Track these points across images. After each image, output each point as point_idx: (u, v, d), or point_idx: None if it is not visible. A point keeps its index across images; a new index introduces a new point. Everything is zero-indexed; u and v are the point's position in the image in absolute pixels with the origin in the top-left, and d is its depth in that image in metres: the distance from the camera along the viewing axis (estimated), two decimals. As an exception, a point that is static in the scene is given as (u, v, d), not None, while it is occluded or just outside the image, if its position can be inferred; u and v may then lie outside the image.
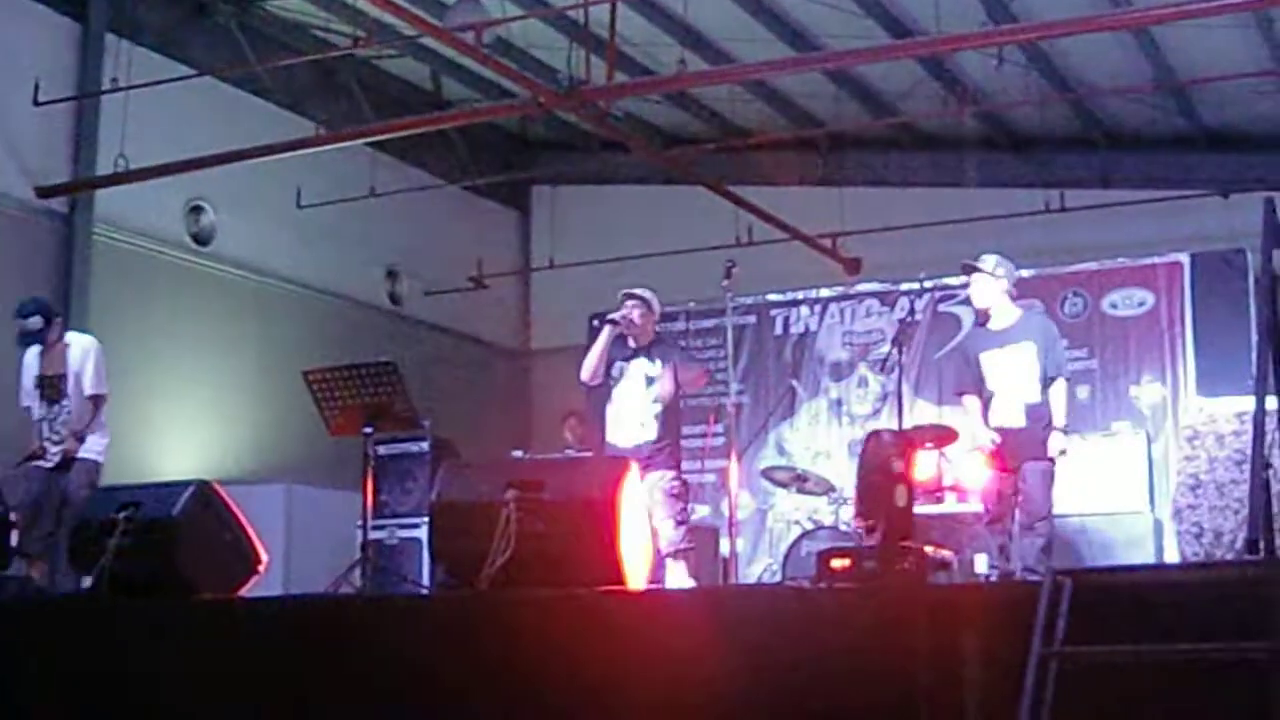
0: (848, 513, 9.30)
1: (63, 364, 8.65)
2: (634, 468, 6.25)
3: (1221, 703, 4.01)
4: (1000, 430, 7.83)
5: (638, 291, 8.19)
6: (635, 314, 8.08)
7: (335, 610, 6.43)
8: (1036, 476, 7.70)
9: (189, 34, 12.06)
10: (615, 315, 8.11)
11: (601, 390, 8.19)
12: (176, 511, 6.51)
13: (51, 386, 8.63)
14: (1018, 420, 7.79)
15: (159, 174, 10.76)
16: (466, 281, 14.34)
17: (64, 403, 8.60)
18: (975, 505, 9.36)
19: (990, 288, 8.01)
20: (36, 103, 10.65)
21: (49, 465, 8.46)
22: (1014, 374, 7.86)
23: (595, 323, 8.28)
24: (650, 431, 7.89)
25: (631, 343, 8.12)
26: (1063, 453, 7.80)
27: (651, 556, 6.52)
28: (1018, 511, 7.81)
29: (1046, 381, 7.84)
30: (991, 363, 7.95)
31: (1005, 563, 7.76)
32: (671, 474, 7.83)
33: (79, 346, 8.74)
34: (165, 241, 11.93)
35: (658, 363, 8.01)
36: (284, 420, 11.29)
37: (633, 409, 7.99)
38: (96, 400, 8.66)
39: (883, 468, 5.96)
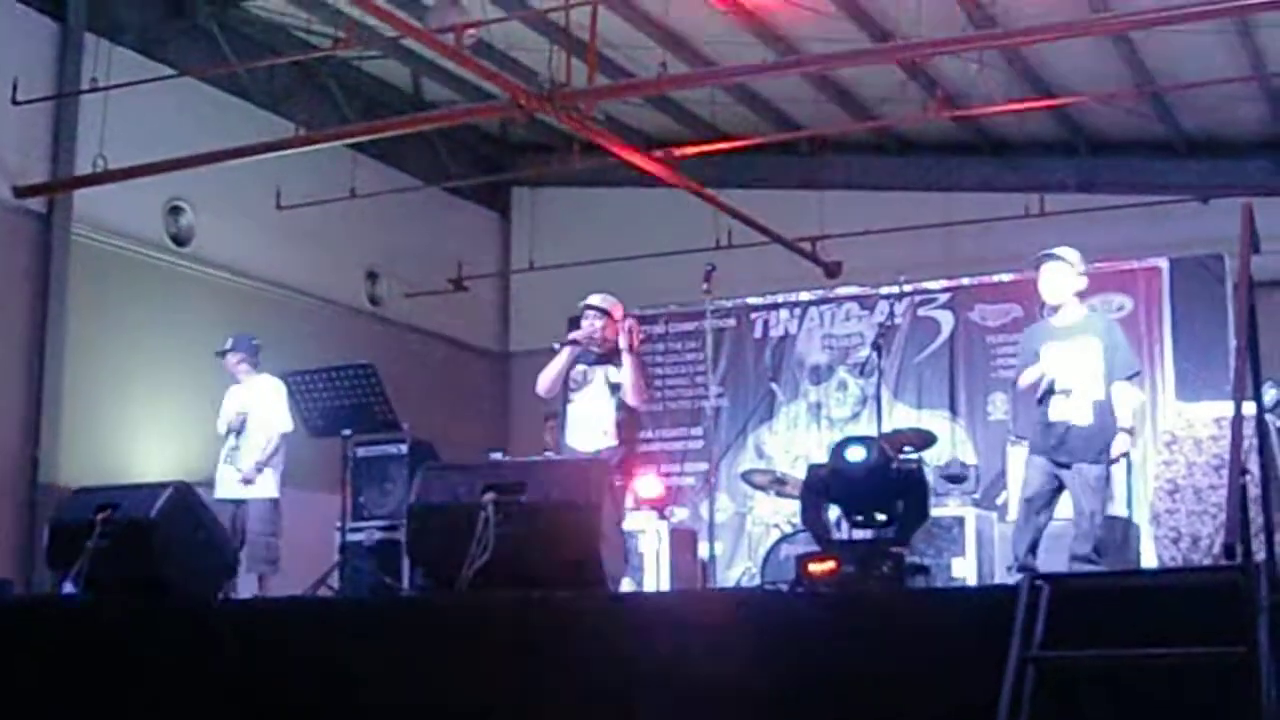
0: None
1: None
2: (612, 471, 6.25)
3: (1198, 706, 4.02)
4: (1060, 426, 7.42)
5: (596, 303, 8.16)
6: (597, 325, 8.08)
7: (314, 612, 6.42)
8: (1091, 477, 7.32)
9: (169, 34, 12.03)
10: (578, 334, 8.11)
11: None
12: (154, 513, 6.48)
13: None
14: (1085, 418, 7.37)
15: (138, 174, 10.73)
16: (446, 283, 14.33)
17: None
18: (954, 509, 9.40)
19: (1067, 281, 7.70)
20: (15, 102, 10.61)
21: None
22: (1082, 370, 7.48)
23: (555, 346, 8.21)
24: (611, 438, 7.92)
25: (595, 348, 8.12)
26: (1125, 455, 7.59)
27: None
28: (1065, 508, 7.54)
29: (1110, 380, 7.47)
30: (1052, 354, 7.58)
31: (1032, 559, 7.41)
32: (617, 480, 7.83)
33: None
34: (144, 242, 11.89)
35: (624, 369, 8.00)
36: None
37: (596, 415, 7.99)
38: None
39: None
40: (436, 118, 12.96)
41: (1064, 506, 7.60)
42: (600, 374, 8.05)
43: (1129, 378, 7.56)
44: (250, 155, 10.69)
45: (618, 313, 8.16)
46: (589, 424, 8.00)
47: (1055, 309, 7.71)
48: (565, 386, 8.13)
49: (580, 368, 8.10)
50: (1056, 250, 7.77)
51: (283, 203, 12.44)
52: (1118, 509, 9.21)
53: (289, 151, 10.86)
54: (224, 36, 12.21)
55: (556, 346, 8.22)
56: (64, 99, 11.11)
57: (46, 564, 6.96)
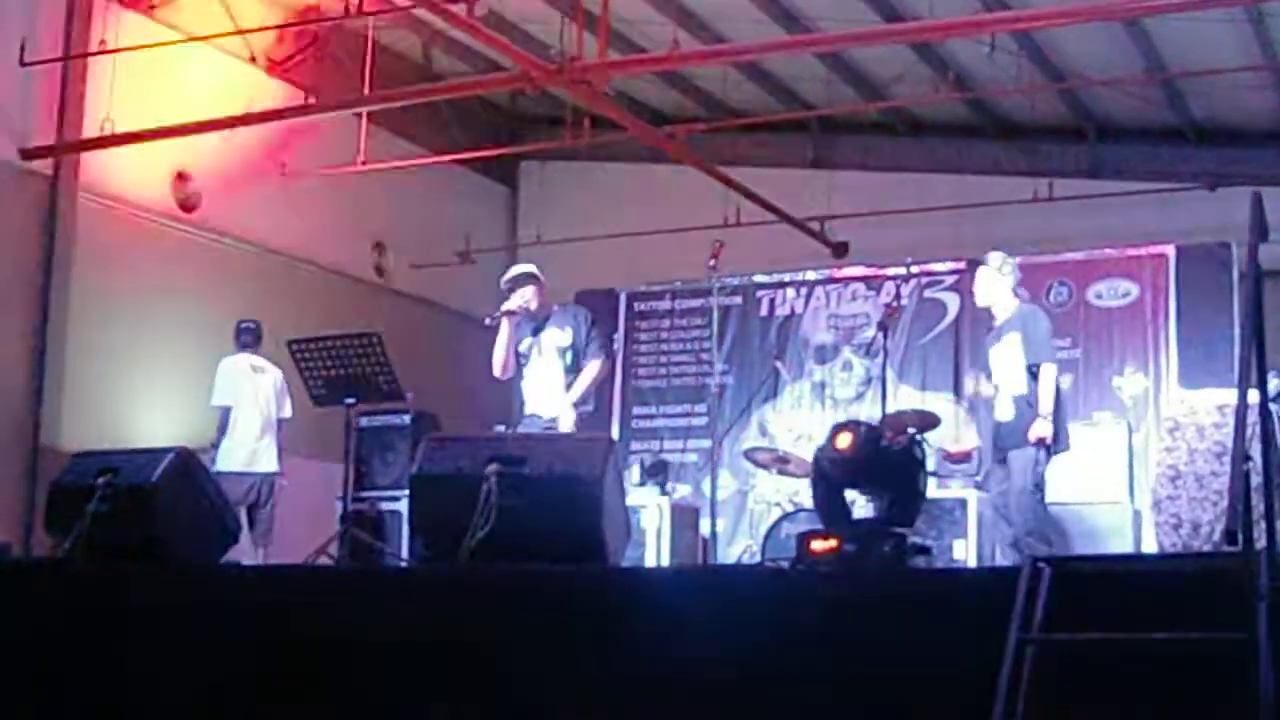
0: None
1: None
2: (616, 445, 6.26)
3: (1197, 692, 4.02)
4: (997, 424, 7.93)
5: (520, 271, 8.27)
6: (529, 294, 8.12)
7: (314, 581, 6.43)
8: (1017, 463, 7.71)
9: (179, -2, 11.98)
10: (509, 306, 8.12)
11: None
12: (155, 478, 6.47)
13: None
14: (1007, 413, 7.82)
15: (145, 139, 10.71)
16: (453, 256, 14.30)
17: None
18: (956, 491, 9.41)
19: (991, 284, 8.04)
20: (22, 63, 10.57)
21: None
22: (1004, 367, 7.89)
23: (488, 320, 8.33)
24: (571, 408, 7.99)
25: (531, 319, 8.15)
26: (1043, 440, 7.71)
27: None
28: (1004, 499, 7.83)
29: (1032, 370, 7.79)
30: (992, 358, 8.04)
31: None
32: None
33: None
34: (150, 207, 11.86)
35: (568, 330, 8.04)
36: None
37: (550, 382, 8.03)
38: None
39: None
40: (446, 89, 12.92)
41: (1049, 493, 7.93)
42: (546, 340, 8.09)
43: (1048, 363, 7.83)
44: (258, 123, 10.68)
45: (540, 275, 8.28)
46: (544, 391, 8.02)
47: (992, 313, 8.10)
48: (518, 362, 8.13)
49: (527, 341, 8.10)
50: (986, 256, 8.17)
51: (290, 171, 12.42)
52: (1118, 493, 9.24)
53: (297, 120, 10.84)
54: (234, 1, 12.17)
55: (489, 321, 8.19)
56: (72, 61, 11.08)
57: (45, 527, 6.96)
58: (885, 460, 6.24)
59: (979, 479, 9.73)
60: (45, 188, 11.12)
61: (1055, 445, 7.80)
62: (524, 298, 8.09)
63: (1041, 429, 7.68)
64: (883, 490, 6.19)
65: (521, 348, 8.13)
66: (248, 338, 10.42)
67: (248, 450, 10.00)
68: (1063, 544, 8.72)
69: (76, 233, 11.21)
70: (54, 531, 6.71)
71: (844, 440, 6.25)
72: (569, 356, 8.00)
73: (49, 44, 10.95)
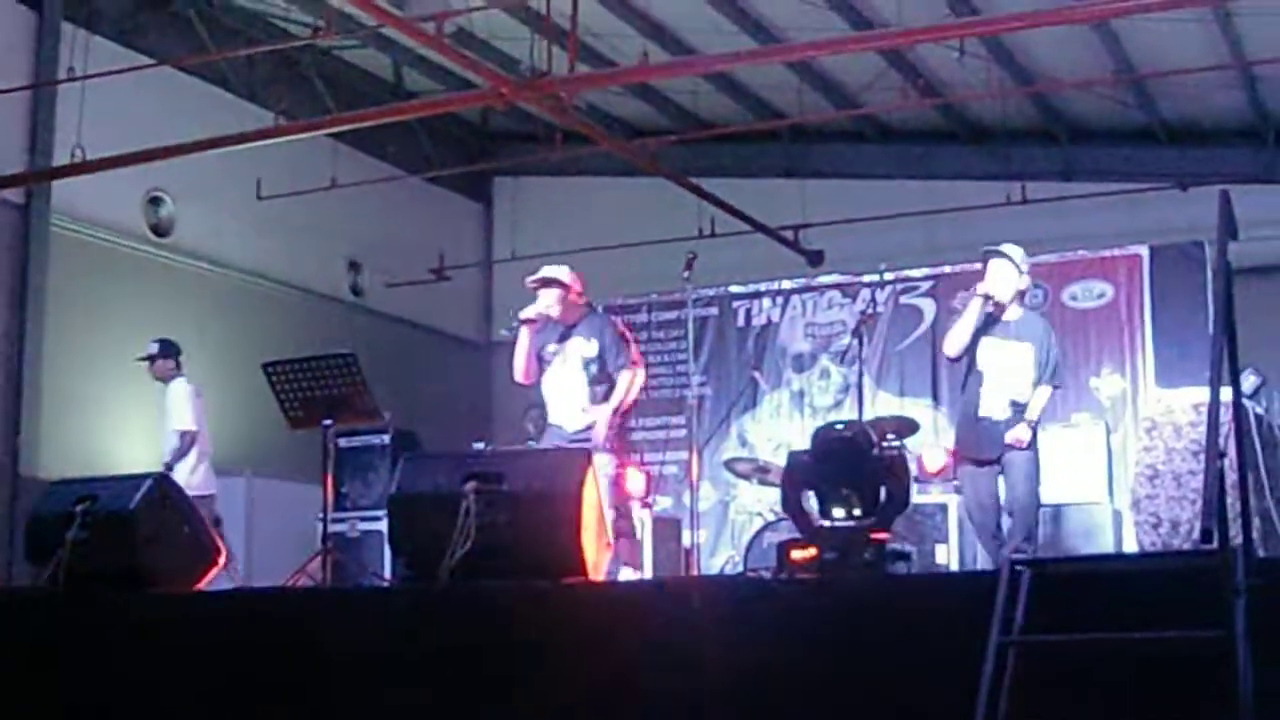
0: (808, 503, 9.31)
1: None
2: (594, 460, 6.23)
3: (1176, 690, 4.04)
4: (983, 421, 7.68)
5: (547, 275, 7.92)
6: (552, 300, 7.84)
7: (295, 603, 6.41)
8: (1020, 468, 7.56)
9: (147, 23, 11.99)
10: (529, 313, 7.87)
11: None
12: (134, 505, 6.44)
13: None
14: (1002, 413, 7.63)
15: (117, 164, 10.65)
16: (428, 273, 14.29)
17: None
18: (936, 496, 9.42)
19: (1011, 279, 7.76)
20: (-9, 91, 10.56)
21: None
22: (1008, 368, 7.69)
23: (504, 331, 8.07)
24: (591, 415, 7.74)
25: (559, 322, 7.90)
26: (1020, 443, 7.58)
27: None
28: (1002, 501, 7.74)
29: (1037, 384, 7.69)
30: (988, 347, 7.73)
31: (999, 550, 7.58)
32: (610, 459, 7.69)
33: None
34: (123, 232, 11.85)
35: (593, 341, 7.80)
36: (244, 412, 11.23)
37: (571, 392, 7.82)
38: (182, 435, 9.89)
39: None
40: (417, 107, 12.91)
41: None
42: (570, 349, 7.84)
43: (1053, 386, 7.77)
44: (230, 145, 10.63)
45: (573, 281, 7.92)
46: (565, 401, 7.84)
47: (1000, 306, 7.74)
48: (540, 366, 7.94)
49: (551, 347, 7.92)
50: (1003, 247, 7.81)
51: (263, 193, 12.39)
52: (1098, 494, 9.26)
53: (269, 141, 10.80)
54: (203, 25, 12.18)
55: (508, 331, 8.07)
56: (41, 89, 11.05)
57: (26, 557, 6.92)
58: (877, 464, 6.22)
59: (959, 484, 9.74)
60: (17, 215, 11.10)
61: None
62: (546, 302, 7.85)
63: (1025, 432, 7.59)
64: (871, 495, 6.17)
65: (545, 352, 7.91)
66: (180, 358, 10.33)
67: (206, 470, 9.94)
68: (1044, 545, 8.74)
69: (50, 260, 11.19)
70: (34, 560, 6.67)
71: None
72: (592, 369, 7.78)
73: (17, 71, 10.93)
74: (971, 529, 8.40)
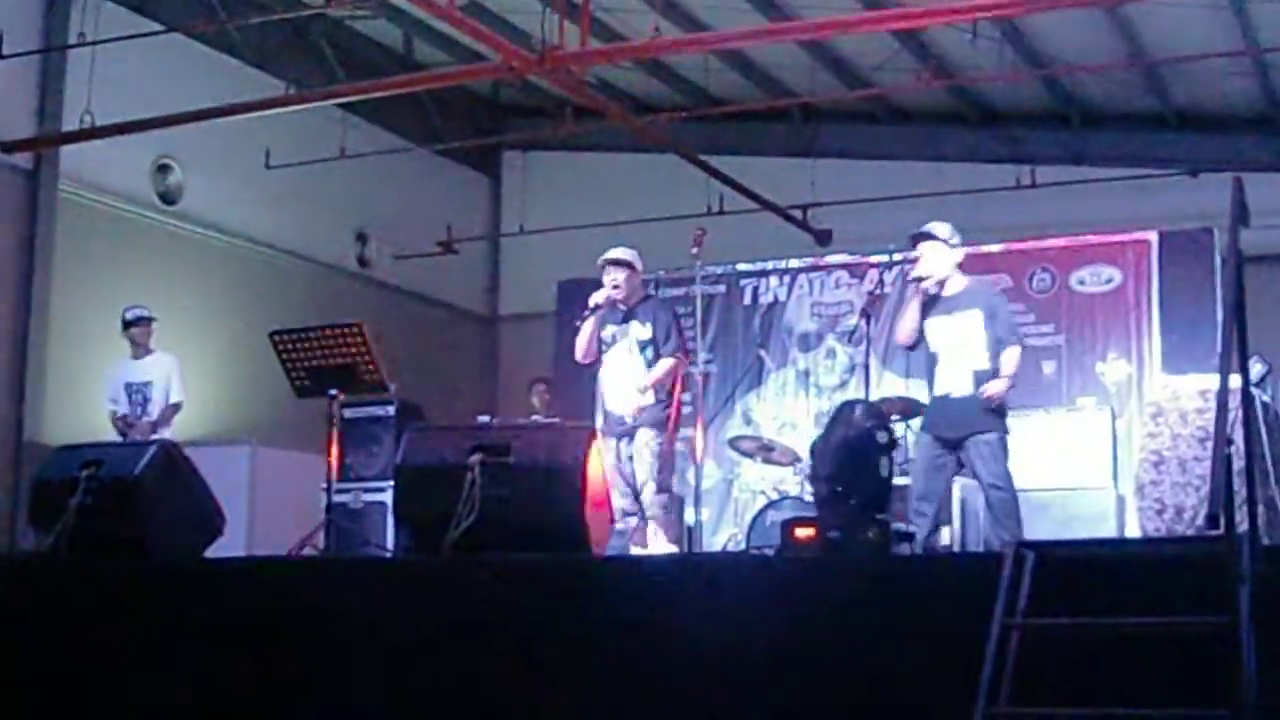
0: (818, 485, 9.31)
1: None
2: (599, 435, 6.26)
3: (1179, 674, 4.04)
4: (944, 399, 7.53)
5: (617, 256, 8.06)
6: (621, 280, 8.00)
7: (299, 572, 6.42)
8: (983, 449, 7.36)
9: (158, -11, 11.94)
10: (598, 298, 8.03)
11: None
12: (139, 471, 6.46)
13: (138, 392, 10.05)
14: (965, 388, 7.43)
15: (126, 131, 10.63)
16: (436, 246, 14.27)
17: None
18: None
19: (942, 257, 7.66)
20: (1, 56, 10.50)
21: None
22: (961, 341, 7.54)
23: (578, 322, 8.18)
24: (649, 396, 7.92)
25: (621, 305, 8.07)
26: (992, 400, 7.36)
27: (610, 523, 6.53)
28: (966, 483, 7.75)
29: (996, 348, 7.50)
30: (936, 328, 7.64)
31: (935, 536, 7.51)
32: (657, 434, 7.85)
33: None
34: (132, 199, 11.83)
35: (649, 325, 7.96)
36: (249, 381, 11.26)
37: (628, 376, 7.96)
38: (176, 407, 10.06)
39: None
40: (428, 79, 12.87)
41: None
42: (625, 331, 8.02)
43: (1016, 344, 7.57)
44: (239, 114, 10.61)
45: (639, 264, 8.13)
46: (621, 384, 7.98)
47: (940, 284, 7.65)
48: (599, 349, 8.11)
49: (610, 328, 8.07)
50: (928, 228, 7.74)
51: (272, 162, 12.37)
52: (1102, 479, 9.25)
53: (278, 110, 10.78)
54: (214, -8, 12.13)
55: (577, 323, 8.17)
56: (51, 53, 11.02)
57: (29, 522, 6.93)
58: (847, 448, 6.24)
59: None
60: (26, 180, 11.08)
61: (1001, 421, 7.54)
62: (614, 280, 8.00)
63: (999, 386, 7.38)
64: (852, 479, 6.19)
65: (605, 334, 8.08)
66: None
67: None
68: (1046, 529, 8.73)
69: (57, 226, 11.18)
70: (38, 526, 6.68)
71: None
72: (648, 352, 7.96)
73: (27, 36, 10.90)
74: (975, 510, 8.41)
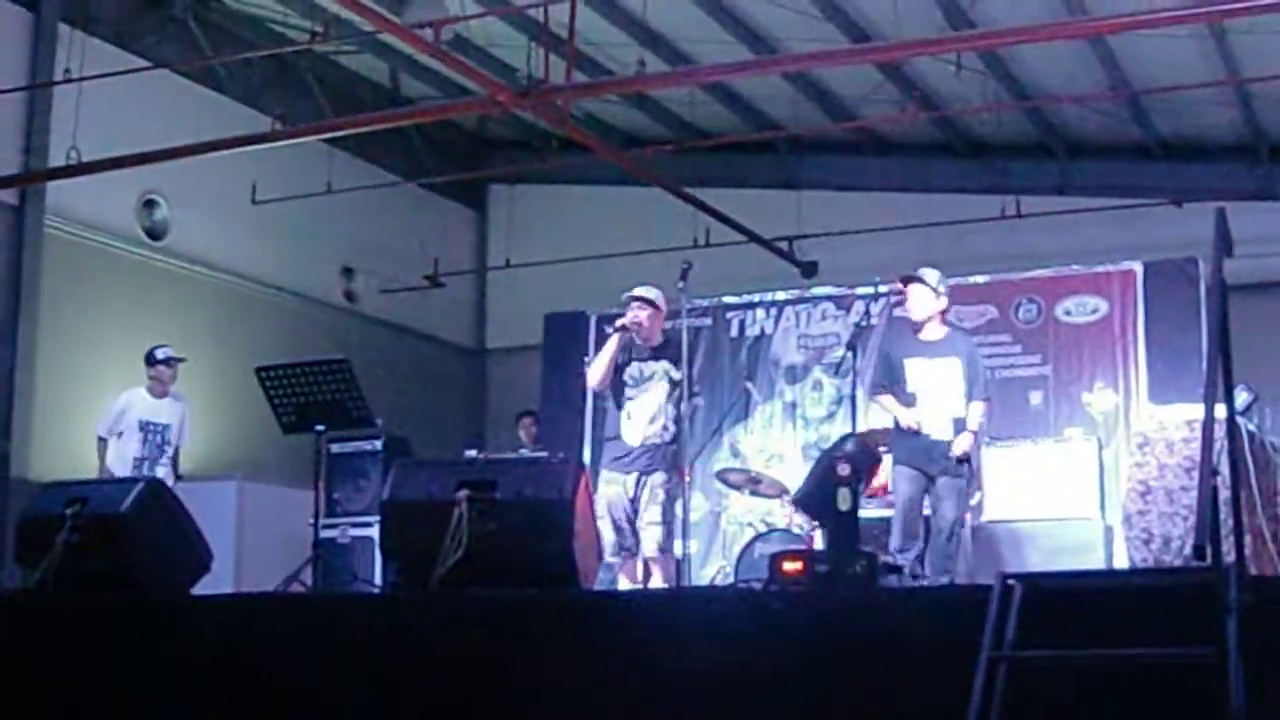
0: (801, 515, 9.31)
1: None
2: (588, 470, 6.25)
3: (1168, 706, 4.03)
4: (921, 435, 8.02)
5: (643, 294, 8.13)
6: (643, 316, 8.04)
7: (286, 608, 6.39)
8: (950, 492, 7.96)
9: (144, 26, 11.98)
10: (624, 321, 8.06)
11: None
12: (125, 508, 6.42)
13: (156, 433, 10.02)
14: (944, 433, 7.99)
15: (112, 167, 10.62)
16: (422, 280, 14.28)
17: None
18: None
19: (930, 303, 8.19)
20: (-13, 92, 10.55)
21: None
22: (941, 386, 8.07)
23: (608, 329, 8.29)
24: (669, 433, 7.95)
25: (643, 343, 8.09)
26: (962, 458, 7.98)
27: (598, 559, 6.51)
28: (931, 520, 8.07)
29: (969, 399, 8.07)
30: (916, 370, 8.15)
31: (920, 569, 7.94)
32: (666, 476, 7.88)
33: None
34: (118, 235, 11.84)
35: (682, 368, 8.02)
36: (236, 417, 11.24)
37: (656, 410, 7.98)
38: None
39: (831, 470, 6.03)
40: (414, 114, 12.92)
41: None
42: (658, 369, 8.05)
43: (984, 399, 8.18)
44: (226, 149, 10.62)
45: (663, 304, 8.17)
46: (647, 419, 7.98)
47: (919, 325, 8.25)
48: (620, 381, 8.07)
49: (636, 365, 8.06)
50: (919, 272, 8.34)
51: (258, 197, 12.39)
52: (1089, 509, 9.25)
53: (265, 146, 10.79)
54: (200, 29, 12.17)
55: (609, 330, 8.23)
56: (37, 90, 11.04)
57: (15, 559, 6.90)
58: (812, 484, 6.32)
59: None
60: (11, 217, 11.08)
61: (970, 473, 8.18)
62: (638, 316, 8.05)
63: (967, 443, 7.99)
64: (821, 515, 6.24)
65: (630, 371, 8.06)
66: None
67: None
68: (1034, 560, 8.75)
69: (44, 261, 11.17)
70: (24, 563, 6.65)
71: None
72: (678, 393, 8.00)
73: (13, 72, 10.92)
74: (964, 540, 8.44)
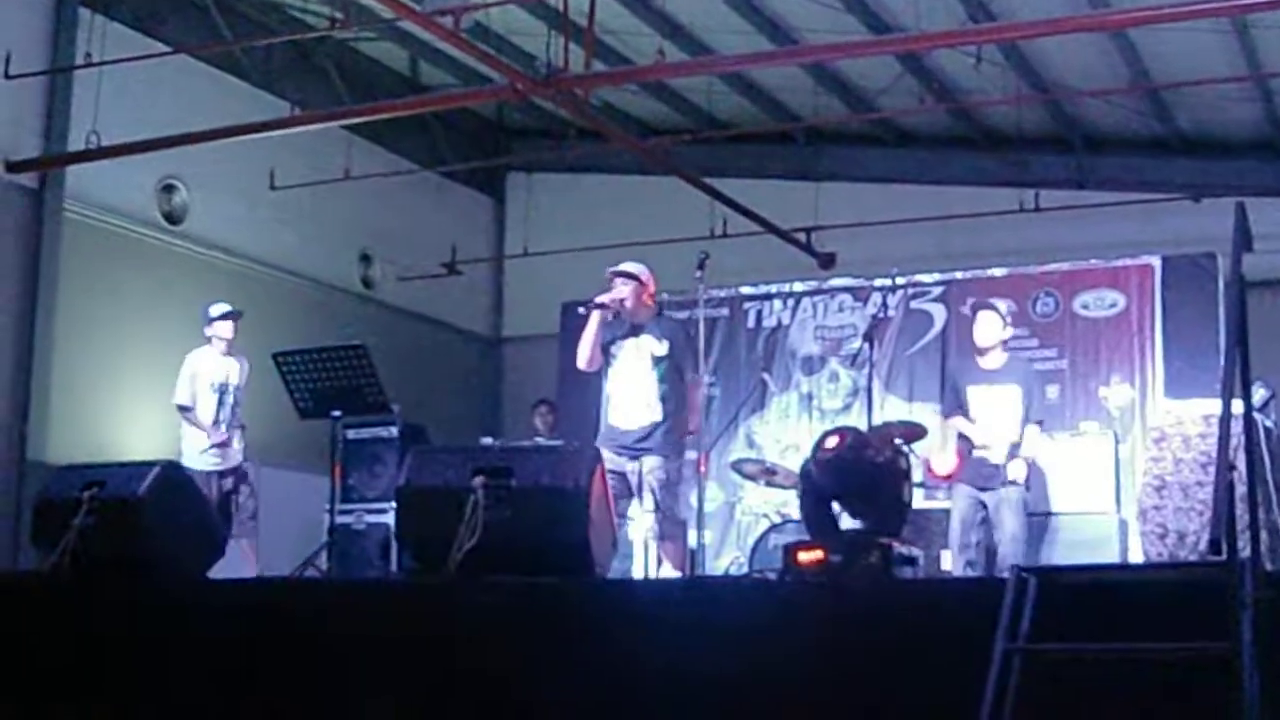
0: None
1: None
2: (603, 458, 6.24)
3: (1182, 701, 4.03)
4: (979, 459, 8.36)
5: (626, 269, 7.82)
6: (626, 292, 7.72)
7: (301, 593, 6.42)
8: (1012, 503, 8.25)
9: (164, 10, 11.99)
10: (603, 298, 7.76)
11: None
12: (141, 491, 6.44)
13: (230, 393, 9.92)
14: (999, 456, 8.31)
15: (131, 151, 10.67)
16: (440, 267, 14.29)
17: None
18: (943, 501, 9.40)
19: (998, 331, 8.51)
20: (7, 76, 10.54)
21: None
22: (999, 413, 8.36)
23: (581, 309, 7.97)
24: (656, 413, 7.61)
25: (628, 321, 7.79)
26: (1018, 478, 8.32)
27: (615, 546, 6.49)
28: (993, 531, 8.30)
29: (1025, 423, 8.38)
30: (978, 397, 8.44)
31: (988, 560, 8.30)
32: (662, 460, 7.59)
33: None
34: (136, 220, 11.86)
35: (665, 341, 7.70)
36: (253, 402, 11.23)
37: (638, 389, 7.67)
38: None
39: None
40: (433, 101, 12.94)
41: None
42: (638, 346, 7.73)
43: (1037, 422, 8.52)
44: (245, 135, 10.66)
45: (649, 281, 7.85)
46: (630, 400, 7.68)
47: (983, 351, 8.59)
48: (606, 359, 7.80)
49: (619, 343, 7.78)
50: (992, 300, 8.97)
51: (277, 183, 12.40)
52: (1105, 504, 9.27)
53: (284, 132, 10.82)
54: (220, 14, 12.18)
55: (582, 310, 7.93)
56: (58, 74, 11.07)
57: (31, 541, 6.93)
58: (870, 471, 6.25)
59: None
60: (31, 200, 11.11)
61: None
62: (621, 294, 7.73)
63: (1019, 468, 8.31)
64: (868, 501, 6.21)
65: (612, 347, 7.77)
66: None
67: None
68: (1050, 553, 8.78)
69: (62, 245, 11.20)
70: (40, 545, 6.68)
71: (832, 441, 6.28)
72: (663, 366, 7.66)
73: (34, 57, 10.94)
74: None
